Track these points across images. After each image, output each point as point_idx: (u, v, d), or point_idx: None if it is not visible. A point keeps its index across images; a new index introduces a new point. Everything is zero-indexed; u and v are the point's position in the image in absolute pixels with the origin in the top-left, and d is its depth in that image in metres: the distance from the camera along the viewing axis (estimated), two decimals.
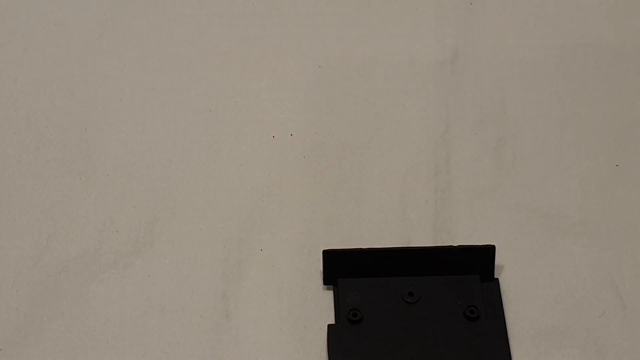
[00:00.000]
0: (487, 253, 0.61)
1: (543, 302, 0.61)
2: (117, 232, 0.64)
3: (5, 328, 0.60)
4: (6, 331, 0.60)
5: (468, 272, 0.61)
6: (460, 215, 0.65)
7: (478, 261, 0.60)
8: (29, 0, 0.77)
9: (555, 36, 0.75)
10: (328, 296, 0.61)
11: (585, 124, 0.70)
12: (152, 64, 0.73)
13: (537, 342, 0.59)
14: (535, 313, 0.61)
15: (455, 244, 0.62)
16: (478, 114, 0.70)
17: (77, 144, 0.69)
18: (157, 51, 0.74)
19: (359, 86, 0.72)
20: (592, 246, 0.63)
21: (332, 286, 0.62)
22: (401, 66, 0.73)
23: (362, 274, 0.61)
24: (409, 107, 0.71)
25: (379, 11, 0.77)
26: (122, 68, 0.73)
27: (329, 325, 0.59)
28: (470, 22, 0.75)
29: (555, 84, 0.72)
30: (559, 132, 0.69)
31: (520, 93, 0.71)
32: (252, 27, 0.75)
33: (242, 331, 0.60)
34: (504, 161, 0.68)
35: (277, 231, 0.64)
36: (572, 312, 0.60)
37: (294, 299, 0.61)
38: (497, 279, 0.62)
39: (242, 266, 0.63)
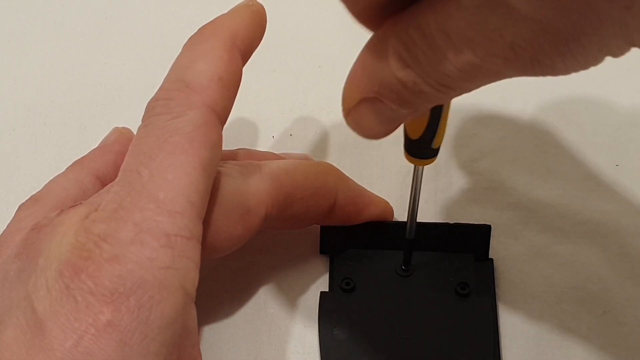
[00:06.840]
0: (482, 232, 0.61)
1: (543, 302, 0.61)
2: None
3: None
4: None
5: (463, 250, 0.61)
6: (460, 215, 0.65)
7: (473, 240, 0.60)
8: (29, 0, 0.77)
9: None
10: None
11: (585, 124, 0.70)
12: (152, 63, 0.73)
13: (537, 342, 0.59)
14: (535, 313, 0.60)
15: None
16: (478, 114, 0.70)
17: (76, 142, 0.68)
18: (157, 50, 0.74)
19: None
20: (592, 246, 0.63)
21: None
22: None
23: (358, 246, 0.61)
24: None
25: None
26: (122, 66, 0.73)
27: (321, 292, 0.60)
28: None
29: (555, 83, 0.71)
30: (559, 132, 0.69)
31: (520, 93, 0.71)
32: None
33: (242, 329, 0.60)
34: (504, 161, 0.68)
35: (277, 231, 0.64)
36: (572, 312, 0.60)
37: (294, 299, 0.61)
38: (492, 259, 0.62)
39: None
